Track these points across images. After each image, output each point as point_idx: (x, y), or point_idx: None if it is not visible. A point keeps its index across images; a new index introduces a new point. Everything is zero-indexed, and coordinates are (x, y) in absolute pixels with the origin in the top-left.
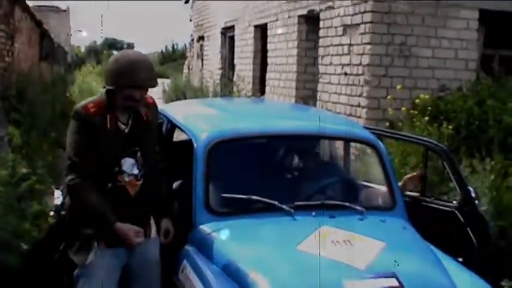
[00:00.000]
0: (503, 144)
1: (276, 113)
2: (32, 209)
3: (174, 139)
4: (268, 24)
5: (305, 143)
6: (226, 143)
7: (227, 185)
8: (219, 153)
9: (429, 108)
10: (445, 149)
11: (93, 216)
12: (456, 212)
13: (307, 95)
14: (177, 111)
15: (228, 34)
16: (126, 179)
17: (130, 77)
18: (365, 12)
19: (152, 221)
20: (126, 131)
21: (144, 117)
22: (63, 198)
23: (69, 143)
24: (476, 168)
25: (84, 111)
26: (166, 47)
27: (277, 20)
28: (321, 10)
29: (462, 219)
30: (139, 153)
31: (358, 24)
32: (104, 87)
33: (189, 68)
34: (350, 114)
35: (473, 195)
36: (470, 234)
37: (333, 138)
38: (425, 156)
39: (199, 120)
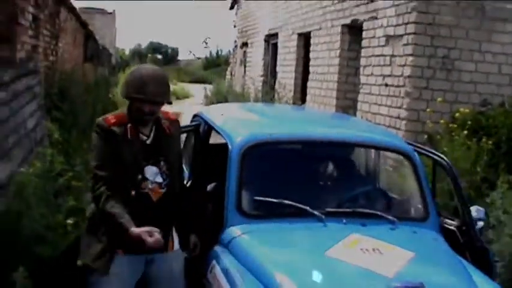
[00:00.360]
0: None
1: (312, 120)
2: (67, 204)
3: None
4: (312, 33)
5: (339, 151)
6: (260, 146)
7: (260, 188)
8: (253, 157)
9: (469, 122)
10: (450, 164)
11: (112, 224)
12: (456, 231)
13: (347, 105)
14: (214, 114)
15: (271, 41)
16: (150, 186)
17: (137, 89)
18: (408, 23)
19: (175, 234)
20: (148, 141)
21: (167, 130)
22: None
23: (93, 156)
24: None
25: (105, 122)
26: (210, 53)
27: (320, 28)
28: (364, 20)
29: (461, 239)
30: (162, 163)
31: (401, 35)
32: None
33: (231, 74)
34: (389, 126)
35: (475, 214)
36: (467, 254)
37: (367, 146)
38: (434, 170)
39: (235, 123)
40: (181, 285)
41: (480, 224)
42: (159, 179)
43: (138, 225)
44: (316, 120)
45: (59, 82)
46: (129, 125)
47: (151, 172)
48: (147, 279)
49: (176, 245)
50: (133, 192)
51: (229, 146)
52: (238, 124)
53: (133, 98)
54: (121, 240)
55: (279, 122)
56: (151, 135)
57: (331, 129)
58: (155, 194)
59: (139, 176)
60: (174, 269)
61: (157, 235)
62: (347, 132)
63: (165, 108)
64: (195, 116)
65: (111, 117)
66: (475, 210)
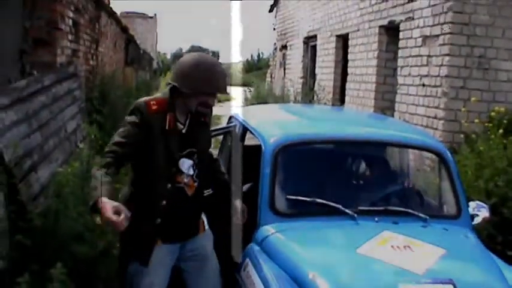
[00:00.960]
0: None
1: (345, 120)
2: None
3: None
4: (350, 34)
5: (371, 150)
6: (293, 147)
7: (292, 187)
8: (286, 157)
9: (505, 121)
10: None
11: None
12: None
13: (385, 105)
14: (249, 115)
15: (310, 43)
16: (185, 180)
17: (211, 84)
18: (444, 23)
19: (204, 217)
20: (183, 131)
21: (201, 119)
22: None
23: (118, 132)
24: None
25: (146, 106)
26: (251, 56)
27: (358, 30)
28: (401, 21)
29: None
30: (195, 155)
31: (438, 36)
32: (169, 84)
33: (271, 76)
34: (427, 126)
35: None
36: None
37: (399, 145)
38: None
39: (268, 124)
40: (213, 263)
41: (477, 219)
42: (192, 172)
43: (172, 219)
44: (350, 120)
45: (100, 86)
46: (169, 114)
47: (187, 165)
48: (180, 260)
49: (206, 226)
50: (169, 186)
51: (263, 147)
52: (271, 125)
53: (202, 93)
54: (159, 230)
55: (312, 122)
56: (187, 123)
57: (362, 129)
58: (190, 188)
59: (174, 169)
60: (206, 247)
61: (123, 215)
62: (378, 132)
63: None
64: (231, 117)
65: (153, 102)
66: (475, 206)
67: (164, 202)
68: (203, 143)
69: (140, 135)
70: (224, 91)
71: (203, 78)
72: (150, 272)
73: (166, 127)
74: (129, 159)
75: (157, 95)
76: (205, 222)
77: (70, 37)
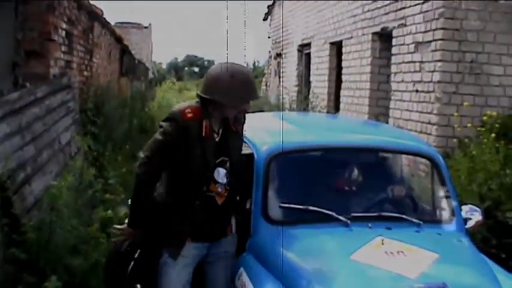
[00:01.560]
0: None
1: (338, 127)
2: (97, 216)
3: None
4: (343, 42)
5: (364, 156)
6: (285, 155)
7: (285, 195)
8: (279, 165)
9: (497, 125)
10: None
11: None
12: None
13: (379, 112)
14: None
15: (304, 51)
16: (219, 190)
17: (250, 93)
18: (436, 29)
19: (233, 220)
20: (217, 139)
21: (233, 127)
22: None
23: (153, 141)
24: None
25: (181, 115)
26: (247, 65)
27: (351, 37)
28: (393, 27)
29: None
30: (228, 163)
31: (430, 42)
32: (200, 96)
33: (266, 84)
34: (421, 131)
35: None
36: None
37: (391, 151)
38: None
39: (261, 132)
40: (230, 262)
41: (470, 223)
42: (225, 180)
43: (201, 227)
44: (343, 127)
45: (94, 97)
46: (205, 121)
47: (222, 175)
48: (206, 257)
49: (234, 229)
50: (202, 194)
51: (255, 155)
52: (263, 133)
53: (244, 102)
54: (189, 229)
55: (305, 130)
56: (220, 132)
57: (355, 136)
58: (221, 197)
59: (208, 177)
60: (230, 249)
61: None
62: (371, 138)
63: None
64: None
65: (188, 110)
66: (468, 209)
67: (196, 206)
68: (235, 151)
69: (176, 143)
70: (256, 96)
71: (242, 88)
72: (177, 265)
73: (203, 134)
74: (165, 167)
75: (189, 103)
76: (234, 226)
77: (63, 48)
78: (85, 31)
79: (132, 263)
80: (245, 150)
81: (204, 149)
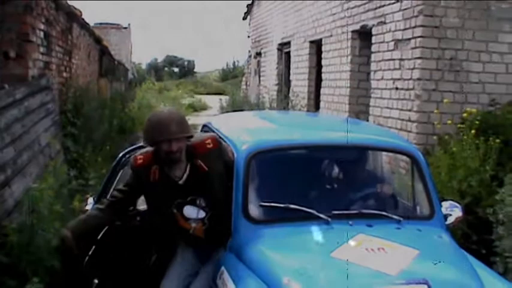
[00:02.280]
0: None
1: (318, 125)
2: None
3: None
4: (323, 40)
5: (343, 154)
6: (265, 153)
7: (266, 194)
8: (258, 163)
9: (476, 122)
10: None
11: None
12: None
13: (360, 110)
14: (221, 123)
15: (284, 50)
16: (193, 225)
17: (159, 132)
18: (415, 27)
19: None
20: (180, 182)
21: (202, 168)
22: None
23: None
24: None
25: (133, 162)
26: (227, 64)
27: (331, 35)
28: (373, 25)
29: None
30: (199, 201)
31: (409, 39)
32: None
33: (246, 84)
34: (401, 129)
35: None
36: None
37: (371, 148)
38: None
39: (240, 131)
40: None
41: (450, 219)
42: (201, 215)
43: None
44: (322, 125)
45: (74, 98)
46: (153, 167)
47: (190, 211)
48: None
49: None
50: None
51: (235, 154)
52: (243, 132)
53: (158, 142)
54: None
55: (284, 129)
56: (185, 176)
57: (334, 133)
58: (198, 231)
59: (178, 215)
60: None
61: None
62: (350, 136)
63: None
64: (204, 126)
65: (139, 156)
66: (448, 205)
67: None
68: (209, 189)
69: (134, 187)
70: (175, 135)
71: (154, 129)
72: (176, 265)
73: (151, 179)
74: (129, 203)
75: (148, 150)
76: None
77: (42, 49)
78: (64, 32)
79: (86, 258)
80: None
81: (157, 191)
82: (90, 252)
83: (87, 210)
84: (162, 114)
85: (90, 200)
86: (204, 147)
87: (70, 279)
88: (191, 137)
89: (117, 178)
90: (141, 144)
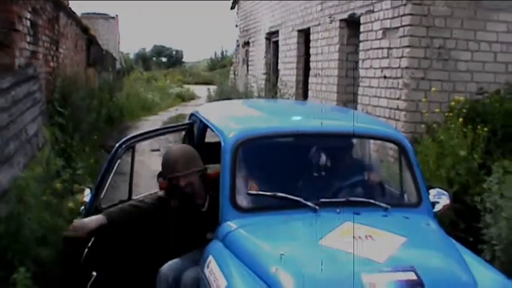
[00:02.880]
0: None
1: (305, 113)
2: (66, 207)
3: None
4: (311, 29)
5: (331, 142)
6: (252, 141)
7: (253, 182)
8: (245, 152)
9: (464, 110)
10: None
11: None
12: None
13: (348, 98)
14: (208, 112)
15: (272, 39)
16: None
17: (171, 169)
18: (404, 15)
19: None
20: (203, 209)
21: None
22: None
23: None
24: (508, 169)
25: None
26: (215, 54)
27: (319, 24)
28: (361, 14)
29: None
30: None
31: (397, 28)
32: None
33: (235, 73)
34: (389, 117)
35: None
36: None
37: (357, 136)
38: None
39: (227, 120)
40: None
41: (438, 207)
42: None
43: None
44: (310, 113)
45: (61, 88)
46: (173, 202)
47: None
48: None
49: None
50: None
51: (222, 142)
52: (230, 120)
53: (169, 178)
54: None
55: (272, 117)
56: (206, 203)
57: (322, 121)
58: None
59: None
60: None
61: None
62: (337, 124)
63: None
64: (191, 115)
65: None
66: (436, 193)
67: None
68: None
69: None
70: (183, 171)
71: (164, 166)
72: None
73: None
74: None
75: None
76: None
77: (28, 38)
78: (50, 21)
79: (85, 250)
80: (214, 139)
81: (181, 219)
82: (89, 245)
83: (85, 202)
84: (171, 152)
85: (87, 192)
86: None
87: (69, 272)
88: (205, 169)
89: (114, 169)
90: (135, 134)
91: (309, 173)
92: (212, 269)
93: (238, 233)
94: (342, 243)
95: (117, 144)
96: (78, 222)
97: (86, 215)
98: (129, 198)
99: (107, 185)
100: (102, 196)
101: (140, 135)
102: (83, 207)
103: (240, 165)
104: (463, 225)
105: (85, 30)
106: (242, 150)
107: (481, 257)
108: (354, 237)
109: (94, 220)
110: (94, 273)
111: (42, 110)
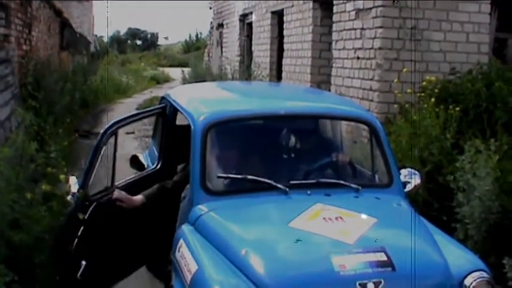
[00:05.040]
0: (509, 125)
1: (278, 95)
2: (40, 190)
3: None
4: (285, 10)
5: (301, 123)
6: (222, 124)
7: (224, 165)
8: (215, 135)
9: (436, 90)
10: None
11: None
12: None
13: (322, 80)
14: (179, 94)
15: (246, 21)
16: None
17: None
18: None
19: None
20: None
21: None
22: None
23: None
24: (480, 149)
25: None
26: (190, 36)
27: (292, 6)
28: None
29: None
30: None
31: (370, 8)
32: None
33: (209, 55)
34: (362, 98)
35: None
36: None
37: (327, 117)
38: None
39: (197, 103)
40: None
41: (409, 186)
42: None
43: None
44: (281, 95)
45: (34, 71)
46: None
47: None
48: None
49: None
50: None
51: (192, 126)
52: (200, 103)
53: None
54: None
55: (242, 99)
56: None
57: (292, 103)
58: None
59: None
60: None
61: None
62: (308, 105)
63: None
64: (162, 98)
65: None
66: (407, 173)
67: None
68: None
69: None
70: None
71: None
72: None
73: None
74: None
75: None
76: None
77: (0, 22)
78: (22, 4)
79: (75, 240)
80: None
81: None
82: (78, 234)
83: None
84: None
85: (74, 180)
86: None
87: (59, 261)
88: None
89: (101, 155)
90: (118, 119)
91: (279, 155)
92: (183, 253)
93: (209, 216)
94: (312, 225)
95: (101, 131)
96: (123, 194)
97: (77, 204)
98: (112, 184)
99: (94, 172)
100: (90, 183)
101: (123, 120)
102: (70, 196)
103: (210, 149)
104: (437, 204)
105: (58, 13)
106: (212, 133)
107: (454, 235)
108: (324, 218)
109: (139, 199)
110: (83, 262)
111: (15, 94)
